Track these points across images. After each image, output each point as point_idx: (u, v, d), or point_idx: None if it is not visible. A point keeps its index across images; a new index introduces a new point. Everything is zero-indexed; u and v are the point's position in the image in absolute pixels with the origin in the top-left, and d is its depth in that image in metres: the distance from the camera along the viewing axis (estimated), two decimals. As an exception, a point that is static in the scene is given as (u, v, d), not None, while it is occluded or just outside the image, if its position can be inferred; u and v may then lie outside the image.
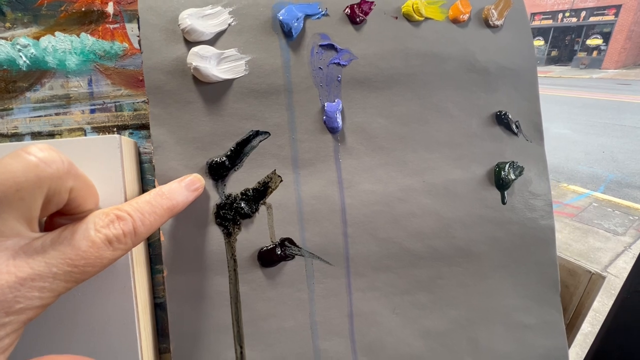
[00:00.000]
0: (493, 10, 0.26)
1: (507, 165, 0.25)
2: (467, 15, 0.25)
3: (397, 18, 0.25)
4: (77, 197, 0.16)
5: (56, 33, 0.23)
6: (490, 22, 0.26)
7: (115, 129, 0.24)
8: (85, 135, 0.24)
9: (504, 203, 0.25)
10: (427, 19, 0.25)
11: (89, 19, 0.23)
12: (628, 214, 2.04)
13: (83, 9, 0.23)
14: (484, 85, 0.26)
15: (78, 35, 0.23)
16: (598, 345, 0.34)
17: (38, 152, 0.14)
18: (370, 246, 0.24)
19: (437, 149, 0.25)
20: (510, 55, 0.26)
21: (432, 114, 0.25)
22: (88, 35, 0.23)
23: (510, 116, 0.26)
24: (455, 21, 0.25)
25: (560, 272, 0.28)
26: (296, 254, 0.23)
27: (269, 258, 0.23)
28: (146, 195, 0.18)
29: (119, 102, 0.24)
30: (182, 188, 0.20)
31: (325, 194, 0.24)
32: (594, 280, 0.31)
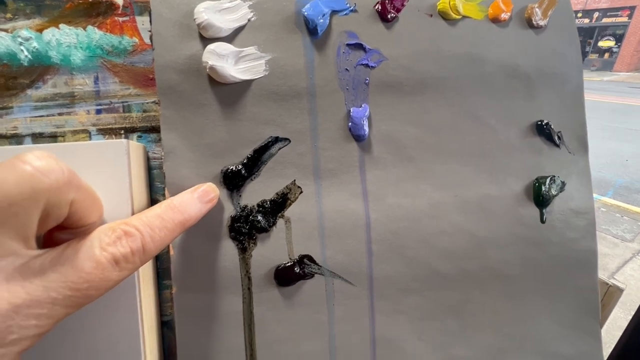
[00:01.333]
0: (537, 9, 0.23)
1: (547, 180, 0.23)
2: (509, 14, 0.23)
3: (431, 16, 0.23)
4: (79, 209, 0.14)
5: (61, 25, 0.21)
6: (534, 22, 0.23)
7: (122, 132, 0.22)
8: (90, 137, 0.22)
9: (542, 222, 0.23)
10: (464, 17, 0.23)
11: (97, 11, 0.22)
12: (637, 220, 2.00)
13: (90, 0, 0.21)
14: (524, 92, 0.23)
15: (84, 29, 0.21)
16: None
17: (34, 160, 0.12)
18: (396, 266, 0.22)
19: (471, 161, 0.23)
20: (554, 60, 0.24)
21: (466, 122, 0.23)
22: (95, 28, 0.21)
23: (552, 126, 0.23)
24: (495, 20, 0.23)
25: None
26: (316, 273, 0.21)
27: (286, 276, 0.21)
28: (156, 207, 0.17)
29: (127, 102, 0.22)
30: (195, 199, 0.18)
31: (349, 207, 0.22)
32: (611, 293, 0.29)
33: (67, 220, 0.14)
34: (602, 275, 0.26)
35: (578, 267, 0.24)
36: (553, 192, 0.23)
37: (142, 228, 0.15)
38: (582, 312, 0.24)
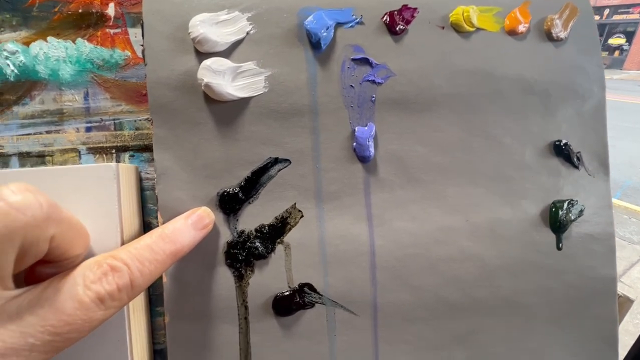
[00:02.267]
0: (557, 20, 0.22)
1: (565, 204, 0.22)
2: (527, 26, 0.22)
3: (443, 28, 0.21)
4: (61, 244, 0.13)
5: (49, 38, 0.20)
6: (554, 35, 0.22)
7: (113, 151, 0.21)
8: (80, 156, 0.21)
9: (559, 248, 0.22)
10: (478, 29, 0.21)
11: (87, 23, 0.20)
12: (645, 221, 1.96)
13: (80, 11, 0.20)
14: (542, 110, 0.22)
15: (73, 41, 0.20)
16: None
17: (10, 195, 0.11)
18: (402, 294, 0.21)
19: (483, 182, 0.22)
20: (575, 75, 0.22)
21: (479, 141, 0.22)
22: (85, 41, 0.20)
23: (571, 146, 0.22)
24: (512, 33, 0.22)
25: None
26: (316, 302, 0.20)
27: (285, 306, 0.20)
28: (147, 237, 0.16)
29: (118, 119, 0.21)
30: (189, 226, 0.17)
31: (353, 232, 0.21)
32: (622, 303, 0.28)
33: (49, 255, 0.13)
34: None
35: (596, 296, 0.22)
36: (571, 216, 0.22)
37: (130, 262, 0.14)
38: (599, 343, 0.22)
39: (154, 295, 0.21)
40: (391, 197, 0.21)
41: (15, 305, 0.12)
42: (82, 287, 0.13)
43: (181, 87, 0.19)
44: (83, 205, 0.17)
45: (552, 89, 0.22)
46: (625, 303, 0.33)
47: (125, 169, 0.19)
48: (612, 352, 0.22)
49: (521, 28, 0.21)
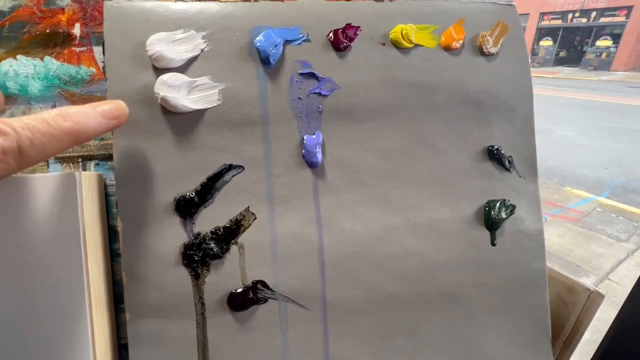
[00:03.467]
0: (488, 37, 0.24)
1: (497, 204, 0.24)
2: (461, 42, 0.24)
3: (384, 44, 0.23)
4: None
5: (18, 56, 0.22)
6: (485, 50, 0.24)
7: (80, 160, 0.22)
8: (48, 166, 0.22)
9: (493, 244, 0.24)
10: (417, 45, 0.23)
11: (54, 42, 0.22)
12: (632, 220, 2.01)
13: (47, 31, 0.22)
14: (476, 118, 0.24)
15: (42, 59, 0.22)
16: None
17: None
18: (349, 289, 0.23)
19: (423, 185, 0.24)
20: (505, 86, 0.24)
21: (419, 148, 0.23)
22: (52, 59, 0.22)
23: (502, 151, 0.24)
24: (448, 48, 0.24)
25: (559, 288, 0.27)
26: (269, 298, 0.22)
27: (239, 302, 0.22)
28: (45, 113, 0.15)
29: (84, 130, 0.22)
30: (97, 113, 0.16)
31: (302, 233, 0.22)
32: (593, 298, 0.30)
33: None
34: (597, 275, 0.27)
35: (529, 288, 0.24)
36: (503, 215, 0.24)
37: (19, 129, 0.14)
38: (533, 331, 0.24)
39: (118, 292, 0.23)
40: (338, 200, 0.23)
41: None
42: None
43: (140, 100, 0.21)
44: (47, 211, 0.19)
45: (485, 99, 0.24)
46: (597, 298, 0.35)
47: (88, 177, 0.20)
48: (544, 339, 0.24)
49: (455, 44, 0.24)
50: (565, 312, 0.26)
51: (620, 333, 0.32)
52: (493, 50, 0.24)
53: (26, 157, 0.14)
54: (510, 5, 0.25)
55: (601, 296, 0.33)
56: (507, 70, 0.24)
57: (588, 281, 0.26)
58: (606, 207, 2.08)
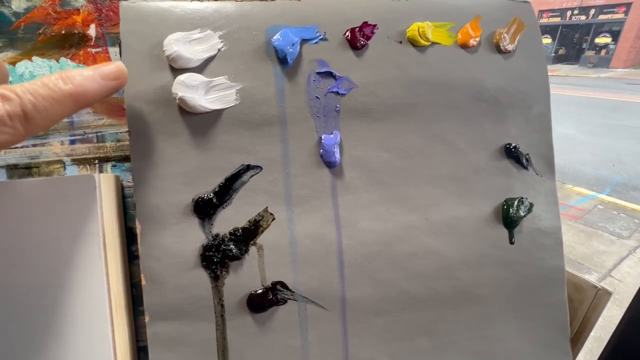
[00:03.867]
0: (505, 34, 0.24)
1: (515, 202, 0.24)
2: (477, 39, 0.24)
3: (401, 43, 0.23)
4: None
5: (33, 58, 0.21)
6: (502, 47, 0.24)
7: (96, 162, 0.22)
8: (65, 168, 0.22)
9: (511, 243, 0.24)
10: (433, 43, 0.23)
11: (69, 43, 0.22)
12: (634, 217, 2.01)
13: (63, 32, 0.22)
14: (493, 116, 0.24)
15: (57, 60, 0.22)
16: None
17: None
18: (368, 289, 0.23)
19: (441, 184, 0.23)
20: (522, 84, 0.24)
21: (436, 146, 0.23)
22: (68, 60, 0.22)
23: (520, 149, 0.24)
24: (464, 46, 0.24)
25: (566, 285, 0.27)
26: (289, 299, 0.22)
27: (259, 303, 0.21)
28: (45, 77, 0.15)
29: (100, 132, 0.22)
30: (96, 75, 0.16)
31: (321, 233, 0.22)
32: (600, 296, 0.30)
33: None
34: (599, 272, 0.27)
35: (546, 286, 0.24)
36: (521, 213, 0.24)
37: (22, 94, 0.14)
38: (551, 329, 0.24)
39: (137, 295, 0.23)
40: (356, 199, 0.23)
41: None
42: None
43: (157, 101, 0.21)
44: (66, 213, 0.19)
45: (501, 97, 0.24)
46: (604, 295, 0.35)
47: (106, 179, 0.20)
48: (563, 336, 0.24)
49: (472, 42, 0.23)
50: (572, 310, 0.26)
51: (628, 331, 0.32)
52: (510, 47, 0.24)
53: (32, 122, 0.14)
54: (526, 2, 0.25)
55: (608, 293, 0.33)
56: (523, 67, 0.24)
57: (590, 279, 0.26)
58: (608, 205, 2.08)
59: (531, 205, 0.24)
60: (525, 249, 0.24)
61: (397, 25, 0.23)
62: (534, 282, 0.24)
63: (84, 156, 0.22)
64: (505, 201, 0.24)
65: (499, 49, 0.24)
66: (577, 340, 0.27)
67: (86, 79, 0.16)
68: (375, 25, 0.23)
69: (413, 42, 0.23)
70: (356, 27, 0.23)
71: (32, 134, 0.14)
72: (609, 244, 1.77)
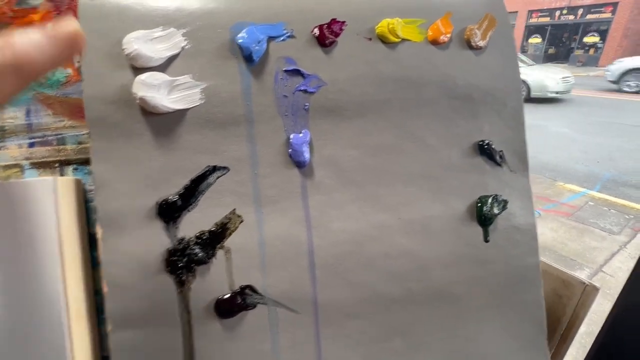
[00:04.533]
0: (476, 30, 0.24)
1: (489, 199, 0.23)
2: (448, 35, 0.23)
3: (370, 39, 0.23)
4: None
5: (-12, 58, 0.21)
6: (473, 44, 0.23)
7: (57, 165, 0.21)
8: (23, 171, 0.21)
9: (486, 240, 0.23)
10: (403, 40, 0.23)
11: (26, 42, 0.21)
12: (624, 212, 2.03)
13: (19, 31, 0.21)
14: (465, 113, 0.24)
15: (14, 60, 0.21)
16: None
17: None
18: (341, 291, 0.22)
19: (413, 182, 0.23)
20: (494, 80, 0.24)
21: (408, 144, 0.23)
22: (25, 60, 0.21)
23: (493, 146, 0.24)
24: (435, 42, 0.23)
25: (554, 282, 0.27)
26: (258, 303, 0.21)
27: (227, 308, 0.21)
28: None
29: (61, 134, 0.21)
30: (44, 41, 0.13)
31: (291, 234, 0.22)
32: (588, 292, 0.30)
33: None
34: (591, 268, 0.27)
35: (522, 283, 0.24)
36: (495, 210, 0.23)
37: None
38: (528, 327, 0.24)
39: (101, 304, 0.22)
40: (327, 199, 0.22)
41: None
42: None
43: (118, 101, 0.20)
44: (22, 218, 0.18)
45: (474, 93, 0.24)
46: (592, 292, 0.35)
47: (65, 182, 0.19)
48: (540, 334, 0.24)
49: (443, 38, 0.23)
50: (561, 306, 0.26)
51: (615, 325, 0.32)
52: (481, 43, 0.23)
53: None
54: (497, -2, 0.25)
55: (596, 289, 0.33)
56: (495, 63, 0.24)
57: (582, 274, 0.26)
58: (598, 201, 2.11)
59: (505, 202, 0.24)
60: (500, 247, 0.24)
61: (367, 21, 0.23)
62: (510, 280, 0.24)
63: (44, 159, 0.21)
64: (479, 199, 0.23)
65: (470, 45, 0.24)
66: (566, 335, 0.27)
67: (31, 45, 0.13)
68: (344, 22, 0.22)
69: (383, 39, 0.23)
70: (324, 24, 0.22)
71: None
72: (600, 239, 1.79)
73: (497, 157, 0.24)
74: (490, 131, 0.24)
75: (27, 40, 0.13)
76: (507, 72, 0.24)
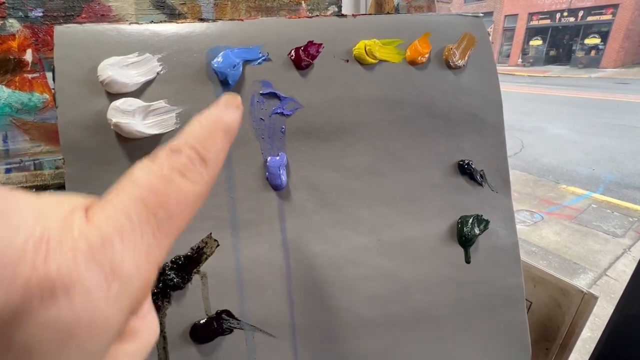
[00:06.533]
0: (455, 50, 0.23)
1: (470, 219, 0.23)
2: (427, 56, 0.23)
3: (347, 61, 0.23)
4: None
5: (-34, 85, 0.21)
6: (452, 63, 0.23)
7: (34, 190, 0.21)
8: None
9: (467, 261, 0.23)
10: (381, 61, 0.23)
11: (4, 69, 0.21)
12: (627, 215, 2.01)
13: (-3, 58, 0.21)
14: (445, 132, 0.23)
15: (-9, 87, 0.21)
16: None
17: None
18: (320, 315, 0.22)
19: (393, 203, 0.23)
20: (473, 98, 0.24)
21: (388, 164, 0.23)
22: (3, 87, 0.21)
23: (473, 165, 0.23)
24: (413, 63, 0.23)
25: (553, 290, 0.26)
26: (235, 328, 0.21)
27: (203, 333, 0.21)
28: (195, 122, 0.10)
29: (38, 159, 0.22)
30: (224, 108, 0.11)
31: (269, 258, 0.22)
32: (587, 300, 0.29)
33: None
34: (595, 271, 0.27)
35: (505, 304, 0.23)
36: (476, 231, 0.23)
37: (185, 143, 0.10)
38: (512, 348, 0.24)
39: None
40: (305, 222, 0.22)
41: None
42: (155, 167, 0.09)
43: (93, 127, 0.20)
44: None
45: (453, 112, 0.23)
46: (591, 300, 0.34)
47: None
48: (524, 356, 0.24)
49: (421, 58, 0.23)
50: (560, 315, 0.26)
51: (616, 332, 0.32)
52: (460, 63, 0.23)
53: (209, 163, 0.10)
54: (477, 17, 0.25)
55: (595, 298, 0.33)
56: (474, 82, 0.24)
57: (586, 278, 0.25)
58: (601, 204, 2.08)
59: (487, 222, 0.23)
60: (483, 267, 0.23)
61: (344, 43, 0.23)
62: (493, 301, 0.23)
63: (21, 185, 0.21)
64: (460, 219, 0.23)
65: (449, 65, 0.23)
66: (565, 344, 0.26)
67: (223, 112, 0.10)
68: (320, 44, 0.22)
69: (360, 61, 0.23)
70: (301, 47, 0.22)
71: (212, 179, 0.10)
72: (604, 243, 1.77)
73: (478, 177, 0.23)
74: (471, 150, 0.24)
75: (222, 112, 0.11)
76: (487, 91, 0.24)
